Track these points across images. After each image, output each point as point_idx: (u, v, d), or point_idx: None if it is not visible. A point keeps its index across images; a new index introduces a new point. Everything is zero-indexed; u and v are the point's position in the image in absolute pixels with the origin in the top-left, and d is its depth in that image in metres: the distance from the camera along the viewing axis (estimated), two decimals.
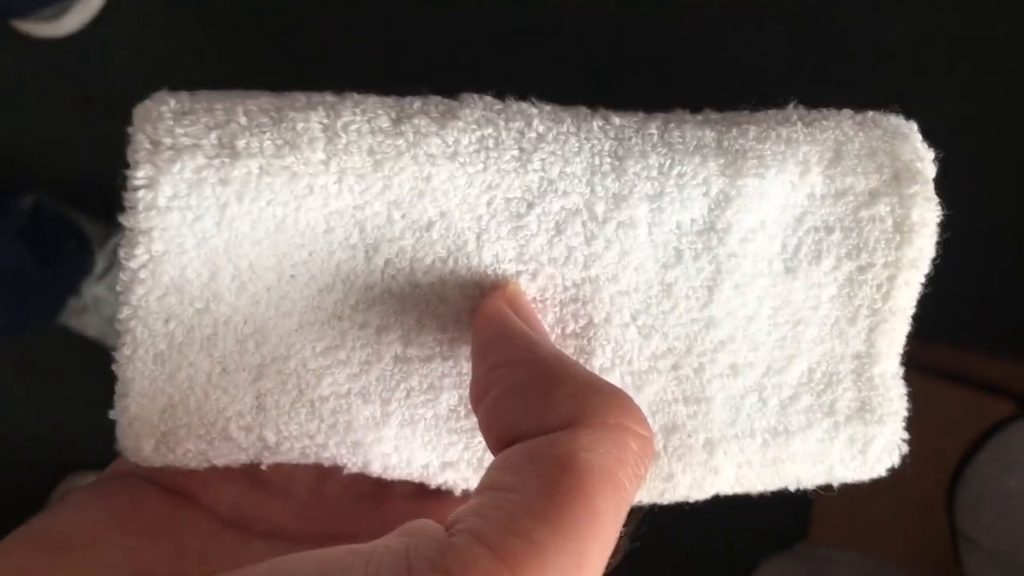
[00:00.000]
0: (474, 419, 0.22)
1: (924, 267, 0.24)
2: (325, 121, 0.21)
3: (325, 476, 0.24)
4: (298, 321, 0.22)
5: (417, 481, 0.24)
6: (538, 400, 0.20)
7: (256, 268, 0.22)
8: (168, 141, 0.20)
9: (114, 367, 0.22)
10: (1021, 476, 0.55)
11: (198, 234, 0.21)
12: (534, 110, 0.23)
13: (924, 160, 0.23)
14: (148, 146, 0.20)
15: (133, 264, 0.21)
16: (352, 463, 0.23)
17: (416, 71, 1.01)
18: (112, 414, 0.22)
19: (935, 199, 0.24)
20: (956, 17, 0.99)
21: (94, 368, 0.97)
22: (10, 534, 0.20)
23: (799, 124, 0.23)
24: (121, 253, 0.21)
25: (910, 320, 0.24)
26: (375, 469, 0.23)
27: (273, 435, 0.23)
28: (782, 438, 0.24)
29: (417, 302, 0.23)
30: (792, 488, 0.25)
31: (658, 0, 1.00)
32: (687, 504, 0.25)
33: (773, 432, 0.24)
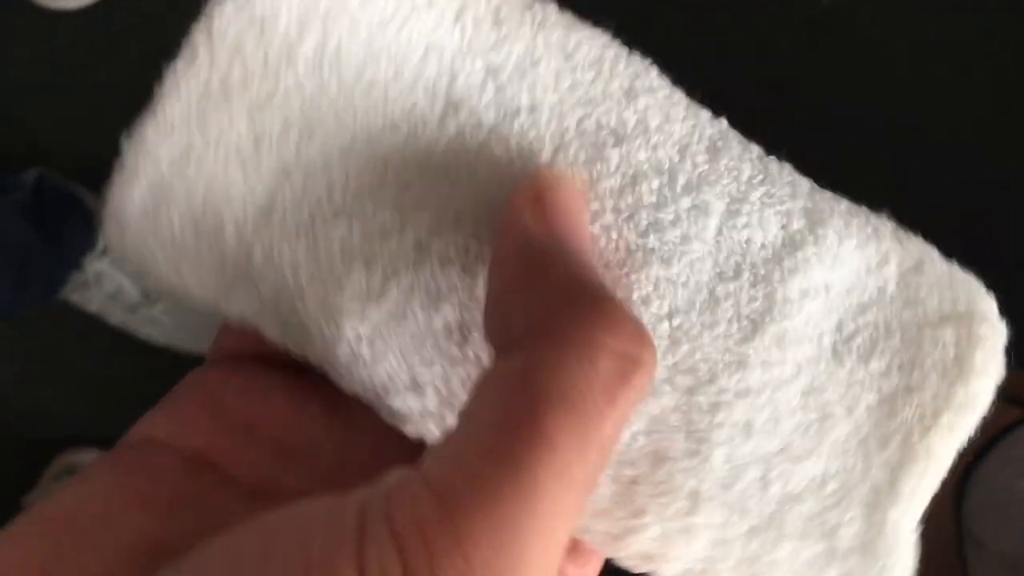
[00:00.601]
0: (466, 349, 0.21)
1: (973, 417, 0.22)
2: None
3: (351, 443, 0.23)
4: (350, 140, 0.21)
5: (366, 401, 0.22)
6: (520, 305, 0.18)
7: (342, 53, 0.21)
8: None
9: (161, 82, 0.21)
10: None
11: None
12: (656, 70, 0.22)
13: (995, 322, 0.23)
14: None
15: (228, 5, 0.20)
16: (318, 330, 0.21)
17: None
18: (126, 138, 0.21)
19: (1000, 362, 0.22)
20: (967, 23, 0.98)
21: (94, 343, 0.97)
22: (18, 518, 0.19)
23: (890, 225, 0.23)
24: None
25: (942, 477, 0.22)
26: (339, 353, 0.21)
27: (260, 253, 0.21)
28: (772, 535, 0.21)
29: (465, 196, 0.21)
30: None
31: (668, 2, 1.00)
32: None
33: (766, 522, 0.22)
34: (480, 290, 0.21)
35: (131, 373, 0.96)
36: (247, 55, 0.21)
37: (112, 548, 0.18)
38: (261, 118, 0.21)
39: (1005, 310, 0.23)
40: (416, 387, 0.21)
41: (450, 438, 0.16)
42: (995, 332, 0.23)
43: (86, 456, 0.95)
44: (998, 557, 0.53)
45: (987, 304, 0.23)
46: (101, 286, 0.90)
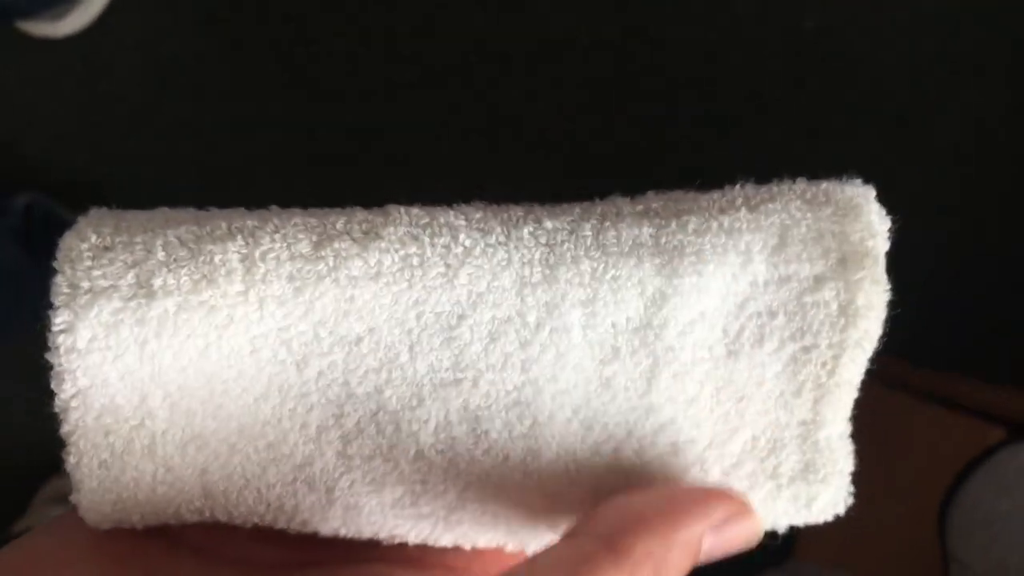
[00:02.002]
0: (420, 507, 0.24)
1: (870, 346, 0.24)
2: (243, 251, 0.21)
3: None
4: (237, 425, 0.23)
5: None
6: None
7: (185, 389, 0.22)
8: (85, 284, 0.21)
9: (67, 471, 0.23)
10: (1013, 500, 0.55)
11: (121, 369, 0.22)
12: (461, 221, 0.23)
13: (876, 237, 0.23)
14: (67, 290, 0.21)
15: (63, 396, 0.22)
16: (302, 530, 0.24)
17: (414, 77, 1.02)
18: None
19: (883, 282, 0.23)
20: (955, 42, 0.99)
21: None
22: None
23: (743, 210, 0.23)
24: (52, 383, 0.22)
25: (857, 388, 0.24)
26: (326, 532, 0.24)
27: (224, 516, 0.23)
28: None
29: (355, 407, 0.23)
30: None
31: (659, 23, 1.01)
32: None
33: None
34: (405, 465, 0.24)
35: None
36: (115, 430, 0.22)
37: None
38: (156, 454, 0.23)
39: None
40: (398, 538, 0.24)
41: None
42: (871, 254, 0.23)
43: None
44: None
45: (860, 223, 0.23)
46: None
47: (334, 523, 0.24)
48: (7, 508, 0.95)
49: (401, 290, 0.22)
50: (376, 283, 0.22)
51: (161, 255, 0.21)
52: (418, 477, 0.24)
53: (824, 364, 0.24)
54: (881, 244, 0.23)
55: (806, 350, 0.24)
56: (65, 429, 0.22)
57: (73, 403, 0.22)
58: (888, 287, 0.23)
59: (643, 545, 0.20)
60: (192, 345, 0.22)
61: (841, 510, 0.25)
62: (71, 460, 0.22)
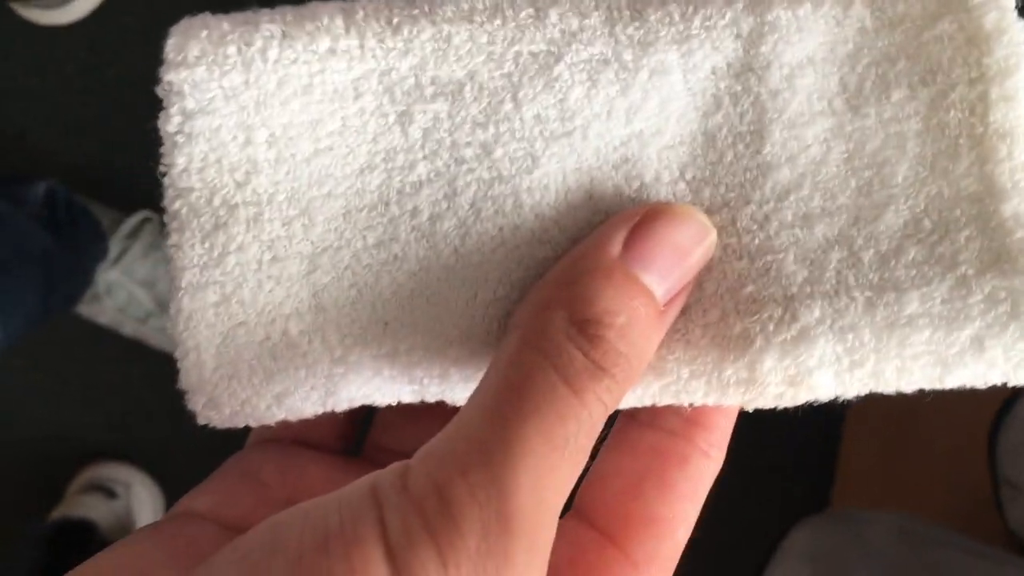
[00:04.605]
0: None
1: (1019, 76, 0.21)
2: (344, 4, 0.22)
3: None
4: (344, 205, 0.22)
5: (451, 403, 0.23)
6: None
7: (290, 131, 0.22)
8: (199, 22, 0.22)
9: (167, 259, 0.22)
10: None
11: (226, 88, 0.22)
12: None
13: None
14: (180, 28, 0.22)
15: (169, 127, 0.22)
16: (427, 376, 0.22)
17: None
18: (170, 324, 0.22)
19: (1008, 3, 0.21)
20: None
21: (107, 356, 0.96)
22: None
23: None
24: (159, 123, 0.22)
25: None
26: (455, 381, 0.22)
27: (336, 336, 0.22)
28: (890, 295, 0.21)
29: (468, 179, 0.22)
30: (929, 385, 0.21)
31: None
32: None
33: (877, 289, 0.21)
34: (535, 248, 0.22)
35: (148, 382, 0.96)
36: (219, 188, 0.22)
37: None
38: (262, 230, 0.22)
39: None
40: None
41: (455, 422, 0.19)
42: None
43: (109, 469, 0.94)
44: None
45: None
46: (113, 297, 0.90)
47: (455, 350, 0.22)
48: (43, 497, 0.95)
49: (495, 28, 0.22)
50: (470, 23, 0.22)
51: (266, 12, 0.22)
52: (547, 269, 0.22)
53: (971, 108, 0.21)
54: None
55: (943, 94, 0.21)
56: (169, 194, 0.22)
57: (179, 138, 0.22)
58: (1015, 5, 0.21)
59: (544, 312, 0.19)
60: (296, 73, 0.22)
61: None
62: (174, 238, 0.22)
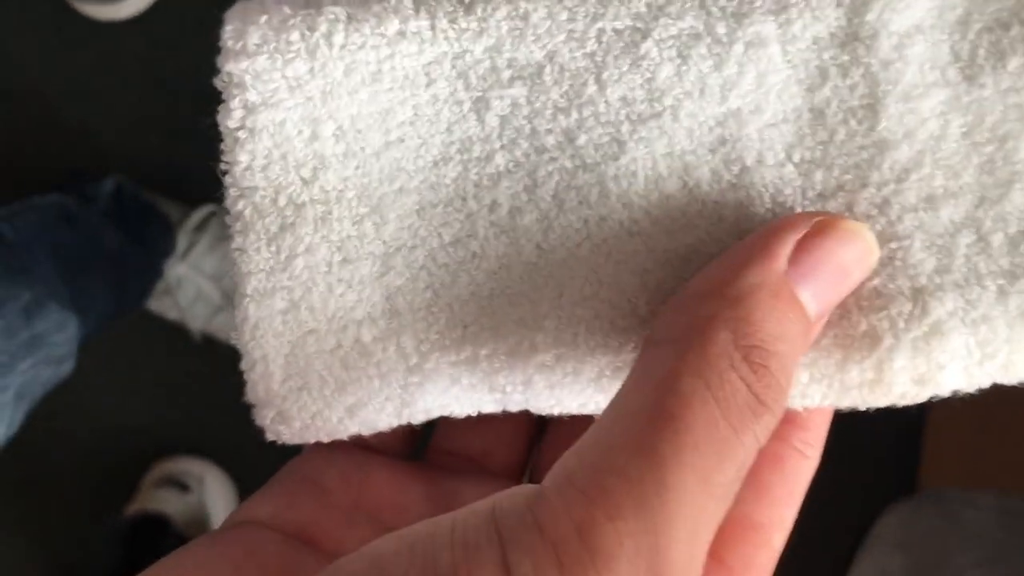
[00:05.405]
0: (637, 309, 0.21)
1: None
2: None
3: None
4: (417, 201, 0.21)
5: (591, 411, 0.21)
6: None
7: (358, 123, 0.20)
8: (256, 6, 0.20)
9: (232, 265, 0.21)
10: None
11: (291, 78, 0.20)
12: None
13: None
14: (237, 13, 0.20)
15: (230, 122, 0.20)
16: (509, 383, 0.21)
17: None
18: (235, 333, 0.21)
19: None
20: None
21: (178, 351, 0.97)
22: None
23: None
24: (219, 118, 0.20)
25: None
26: (540, 389, 0.21)
27: (412, 342, 0.21)
28: (1023, 283, 0.20)
29: (550, 170, 0.21)
30: None
31: None
32: None
33: (1009, 276, 0.20)
34: (629, 241, 0.21)
35: (217, 376, 0.96)
36: (285, 187, 0.20)
37: None
38: (332, 230, 0.20)
39: None
40: (626, 368, 0.21)
41: (596, 438, 0.17)
42: None
43: (182, 464, 0.95)
44: None
45: None
46: (182, 291, 0.90)
47: (545, 355, 0.20)
48: (118, 491, 0.95)
49: (575, 3, 0.20)
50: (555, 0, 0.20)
51: None
52: (638, 264, 0.20)
53: None
54: None
55: None
56: (232, 194, 0.20)
57: (240, 134, 0.20)
58: None
59: (710, 327, 0.17)
60: (364, 59, 0.20)
61: None
62: (237, 241, 0.20)
